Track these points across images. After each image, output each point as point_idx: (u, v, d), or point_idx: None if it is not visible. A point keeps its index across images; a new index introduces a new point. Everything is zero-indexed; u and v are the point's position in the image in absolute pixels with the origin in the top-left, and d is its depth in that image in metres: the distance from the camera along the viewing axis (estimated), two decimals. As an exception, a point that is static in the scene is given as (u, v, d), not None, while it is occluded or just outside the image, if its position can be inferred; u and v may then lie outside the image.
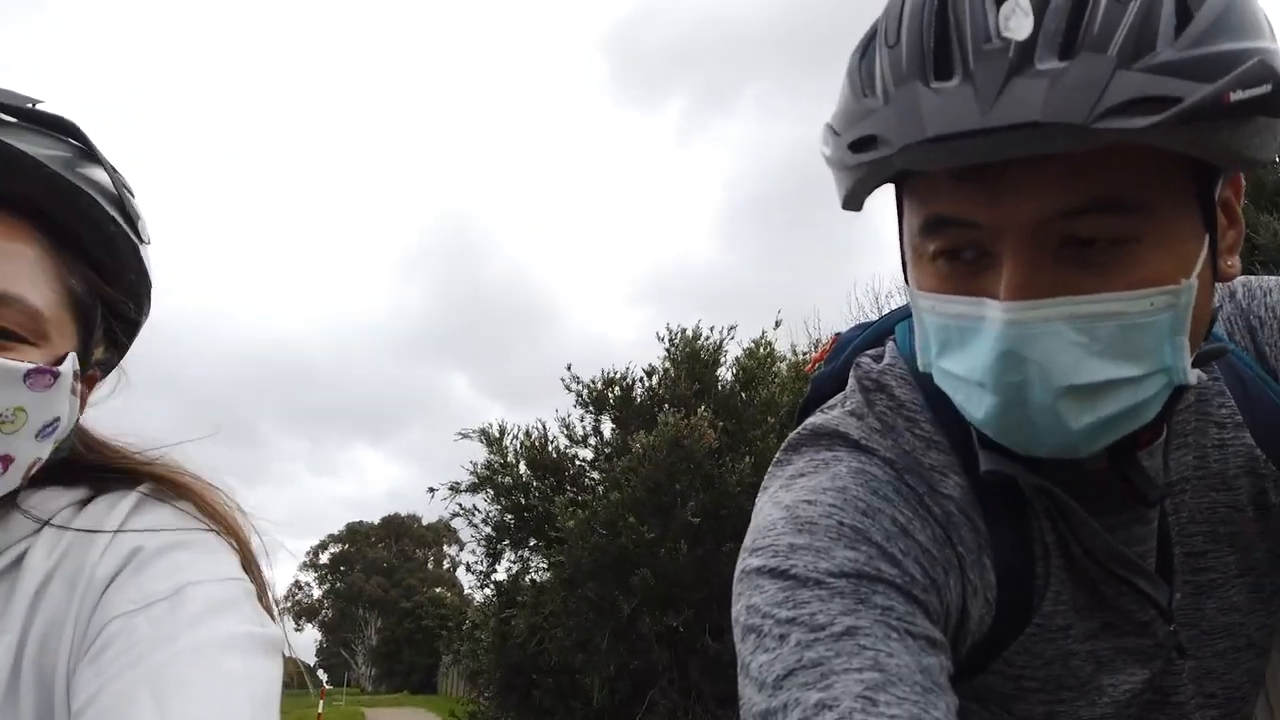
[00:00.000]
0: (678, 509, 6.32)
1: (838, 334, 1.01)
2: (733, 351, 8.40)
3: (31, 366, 0.70)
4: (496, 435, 8.38)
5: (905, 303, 0.88)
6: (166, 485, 0.80)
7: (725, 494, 6.62)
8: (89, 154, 0.77)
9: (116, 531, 0.73)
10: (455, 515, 8.29)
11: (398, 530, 52.87)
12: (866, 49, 0.69)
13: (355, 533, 54.54)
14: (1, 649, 0.67)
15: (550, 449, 8.32)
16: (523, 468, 8.30)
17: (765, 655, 0.65)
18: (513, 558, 8.32)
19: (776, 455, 0.82)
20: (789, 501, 0.73)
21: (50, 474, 0.76)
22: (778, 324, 9.22)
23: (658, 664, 6.46)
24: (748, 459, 6.63)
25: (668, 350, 8.23)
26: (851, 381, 0.84)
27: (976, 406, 0.67)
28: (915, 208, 0.69)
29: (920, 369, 0.74)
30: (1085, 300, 0.62)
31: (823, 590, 0.66)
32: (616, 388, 8.24)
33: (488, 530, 8.27)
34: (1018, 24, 0.58)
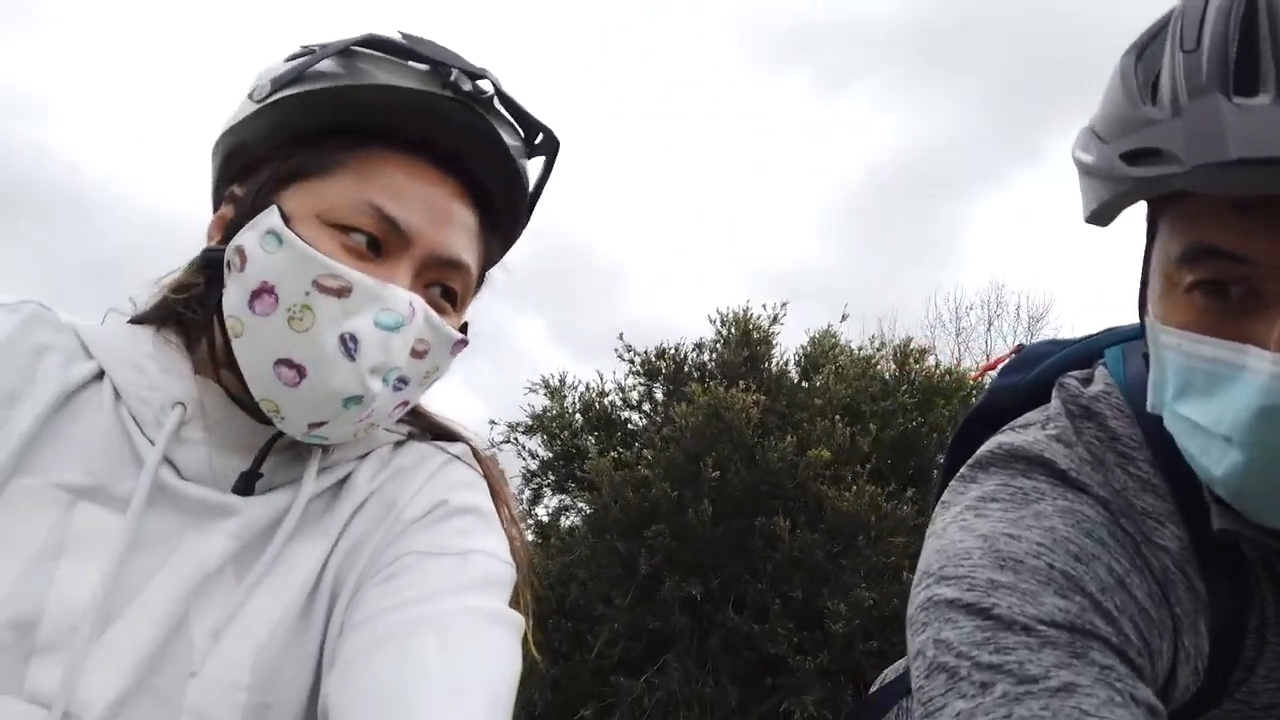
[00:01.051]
0: (706, 473, 6.30)
1: (1021, 345, 0.93)
2: (794, 339, 8.39)
3: (460, 337, 0.79)
4: (557, 385, 8.59)
5: (1113, 326, 0.83)
6: (472, 455, 0.88)
7: (767, 470, 6.63)
8: (530, 147, 0.83)
9: (429, 479, 0.80)
10: (505, 441, 8.53)
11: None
12: (1146, 50, 0.63)
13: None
14: (317, 551, 0.73)
15: (600, 406, 8.47)
16: (578, 419, 8.49)
17: (963, 703, 0.58)
18: (552, 501, 8.53)
19: (961, 470, 0.76)
20: (986, 531, 0.67)
21: None
22: (844, 317, 9.19)
23: (676, 627, 6.59)
24: (790, 438, 6.59)
25: (718, 331, 8.29)
26: (1055, 403, 0.77)
27: (1216, 462, 0.60)
28: (1177, 233, 0.63)
29: (1150, 408, 0.67)
30: None
31: (1032, 638, 0.59)
32: (669, 360, 8.32)
33: (534, 465, 8.48)
34: None
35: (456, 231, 0.77)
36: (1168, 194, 0.60)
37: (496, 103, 0.78)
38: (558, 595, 7.09)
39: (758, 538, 6.50)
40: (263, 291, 0.70)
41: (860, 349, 8.45)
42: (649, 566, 6.48)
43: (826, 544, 6.43)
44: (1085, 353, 0.83)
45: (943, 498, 0.75)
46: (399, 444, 0.85)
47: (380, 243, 0.73)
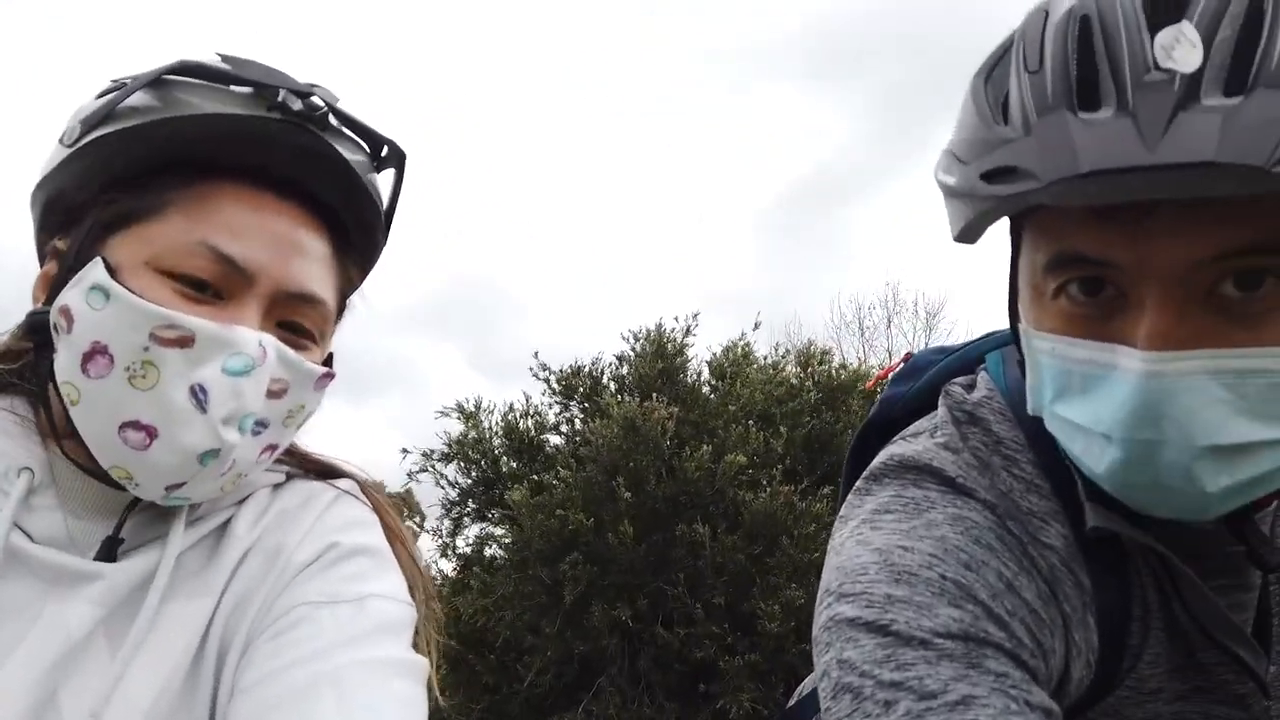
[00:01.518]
0: (620, 493, 6.29)
1: (909, 353, 0.94)
2: (704, 349, 8.51)
3: (323, 371, 0.74)
4: (473, 409, 8.46)
5: (992, 330, 0.84)
6: (360, 490, 0.83)
7: (685, 480, 6.64)
8: (375, 161, 0.79)
9: (318, 519, 0.76)
10: (422, 470, 8.37)
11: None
12: (993, 72, 0.64)
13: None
14: (200, 610, 0.69)
15: (523, 428, 8.38)
16: (496, 442, 8.38)
17: None
18: (474, 531, 8.40)
19: (856, 484, 0.77)
20: (881, 544, 0.68)
21: None
22: (757, 325, 9.38)
23: (607, 650, 6.54)
24: (706, 447, 6.62)
25: (632, 347, 8.33)
26: (941, 410, 0.78)
27: (1097, 460, 0.62)
28: (1040, 243, 0.64)
29: (1030, 411, 0.68)
30: (1236, 354, 0.56)
31: (929, 651, 0.60)
32: (585, 378, 8.30)
33: (452, 495, 8.34)
34: (1184, 56, 0.53)
35: (305, 262, 0.73)
36: (1031, 207, 0.61)
37: (332, 119, 0.74)
38: (482, 630, 6.97)
39: (679, 547, 6.51)
40: (95, 353, 0.65)
41: (767, 356, 8.61)
42: (573, 594, 6.41)
43: (747, 546, 6.49)
44: (968, 359, 0.85)
45: (840, 512, 0.76)
46: (279, 485, 0.80)
47: (221, 285, 0.68)
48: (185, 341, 0.64)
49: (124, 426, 0.64)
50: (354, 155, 0.75)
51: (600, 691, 6.52)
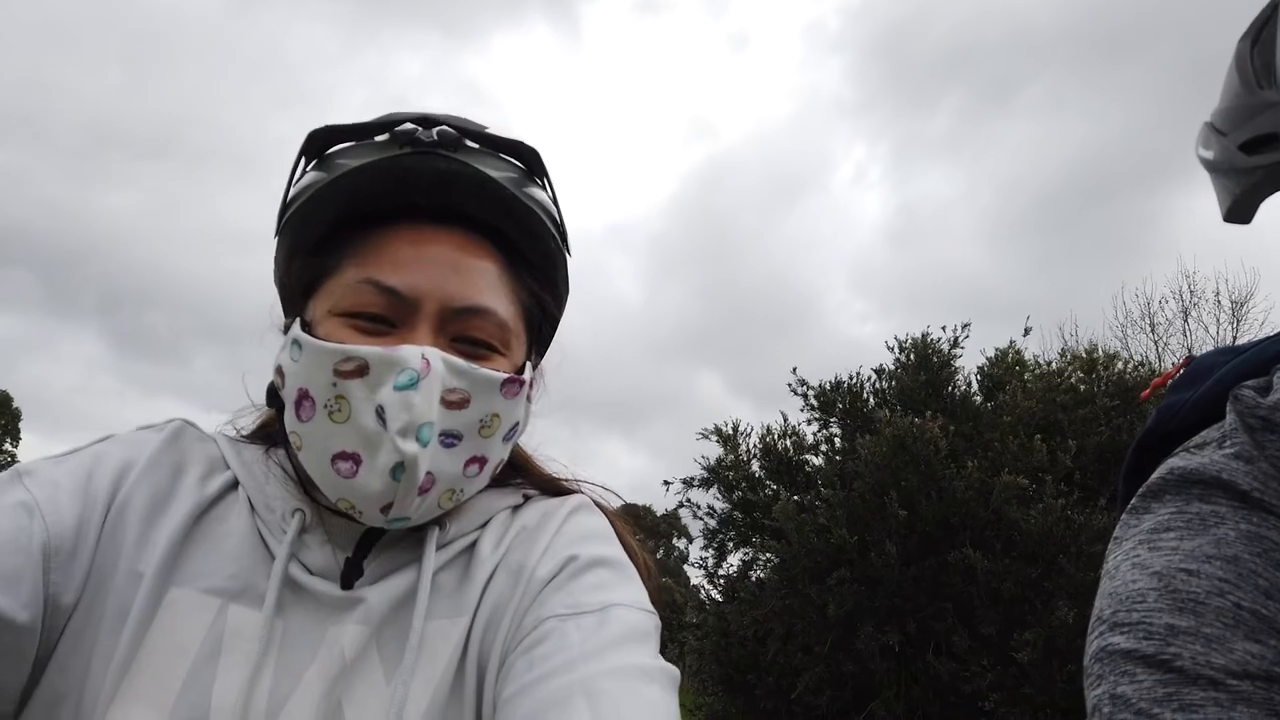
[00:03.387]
0: (892, 509, 6.04)
1: (1190, 357, 0.86)
2: (970, 359, 7.99)
3: (506, 376, 0.76)
4: (730, 433, 8.56)
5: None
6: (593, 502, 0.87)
7: (955, 500, 6.28)
8: (531, 174, 0.82)
9: (555, 534, 0.79)
10: (681, 505, 8.54)
11: (635, 518, 54.90)
12: (1260, 34, 0.60)
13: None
14: (457, 629, 0.73)
15: (780, 448, 8.30)
16: (755, 466, 8.39)
17: None
18: (738, 555, 8.41)
19: (1132, 502, 0.71)
20: (1160, 567, 0.61)
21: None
22: (1027, 331, 8.75)
23: (876, 675, 6.26)
24: (972, 462, 6.23)
25: (896, 359, 7.98)
26: (1231, 417, 0.70)
27: None
28: None
29: None
30: None
31: (1221, 693, 0.54)
32: (845, 393, 8.08)
33: (712, 523, 8.40)
34: None
35: (467, 278, 0.76)
36: None
37: (467, 141, 0.77)
38: (753, 651, 6.94)
39: (951, 573, 6.12)
40: (302, 399, 0.72)
41: (1049, 361, 7.91)
42: (839, 612, 6.21)
43: (1021, 570, 6.00)
44: (1263, 358, 0.74)
45: (1115, 533, 0.70)
46: (517, 507, 0.84)
47: (390, 315, 0.73)
48: (361, 370, 0.70)
49: (335, 459, 0.70)
50: (500, 171, 0.78)
51: (872, 715, 6.24)
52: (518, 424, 0.80)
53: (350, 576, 0.74)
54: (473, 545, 0.79)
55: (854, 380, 8.15)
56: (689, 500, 8.45)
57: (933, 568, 6.26)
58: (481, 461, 0.76)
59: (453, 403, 0.72)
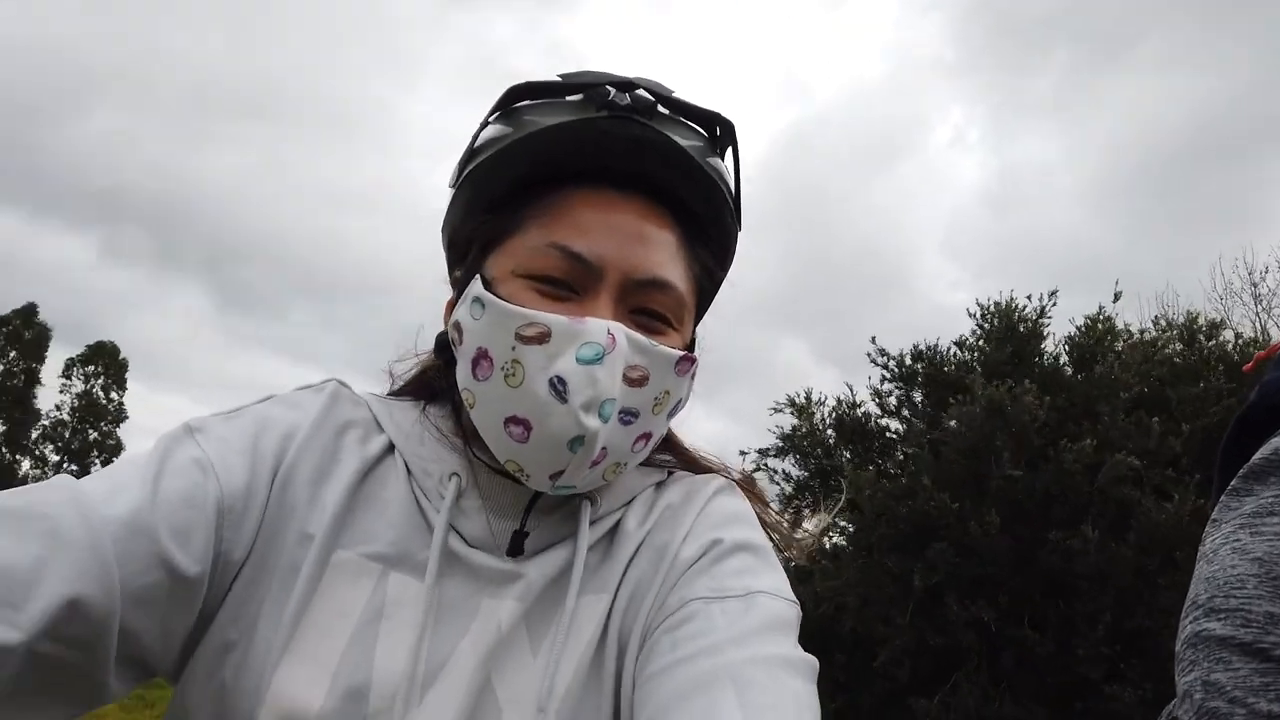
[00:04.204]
0: (993, 477, 5.91)
1: None
2: (1062, 325, 7.77)
3: (681, 354, 0.75)
4: (804, 403, 8.53)
5: None
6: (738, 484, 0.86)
7: (1060, 473, 6.08)
8: (715, 144, 0.80)
9: (699, 516, 0.78)
10: (757, 469, 8.52)
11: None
12: None
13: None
14: (600, 605, 0.73)
15: (858, 414, 8.24)
16: (831, 434, 8.34)
17: None
18: (815, 521, 8.39)
19: (1232, 483, 0.69)
20: (1261, 552, 0.61)
21: None
22: (1117, 296, 8.22)
23: (962, 644, 6.20)
24: (1089, 440, 5.99)
25: (978, 325, 7.80)
26: None
27: None
28: None
29: None
30: None
31: None
32: (926, 361, 7.96)
33: (788, 489, 8.40)
34: None
35: (650, 249, 0.75)
36: None
37: (661, 108, 0.76)
38: (830, 622, 6.92)
39: (1050, 551, 5.99)
40: (480, 358, 0.72)
41: (1143, 331, 7.66)
42: (926, 584, 6.14)
43: (1137, 559, 5.79)
44: None
45: (1213, 515, 0.68)
46: (661, 484, 0.84)
47: (573, 280, 0.73)
48: (543, 337, 0.69)
49: (508, 422, 0.70)
50: (689, 140, 0.76)
51: (957, 686, 6.19)
52: (681, 400, 0.79)
53: (519, 544, 0.75)
54: (618, 522, 0.79)
55: (933, 350, 8.02)
56: (766, 465, 8.46)
57: (1028, 540, 6.13)
58: (648, 437, 0.77)
59: (634, 380, 0.72)
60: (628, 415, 0.73)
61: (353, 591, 0.70)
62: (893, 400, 8.26)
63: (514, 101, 0.77)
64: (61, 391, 35.04)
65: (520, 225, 0.75)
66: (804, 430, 8.43)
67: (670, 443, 0.88)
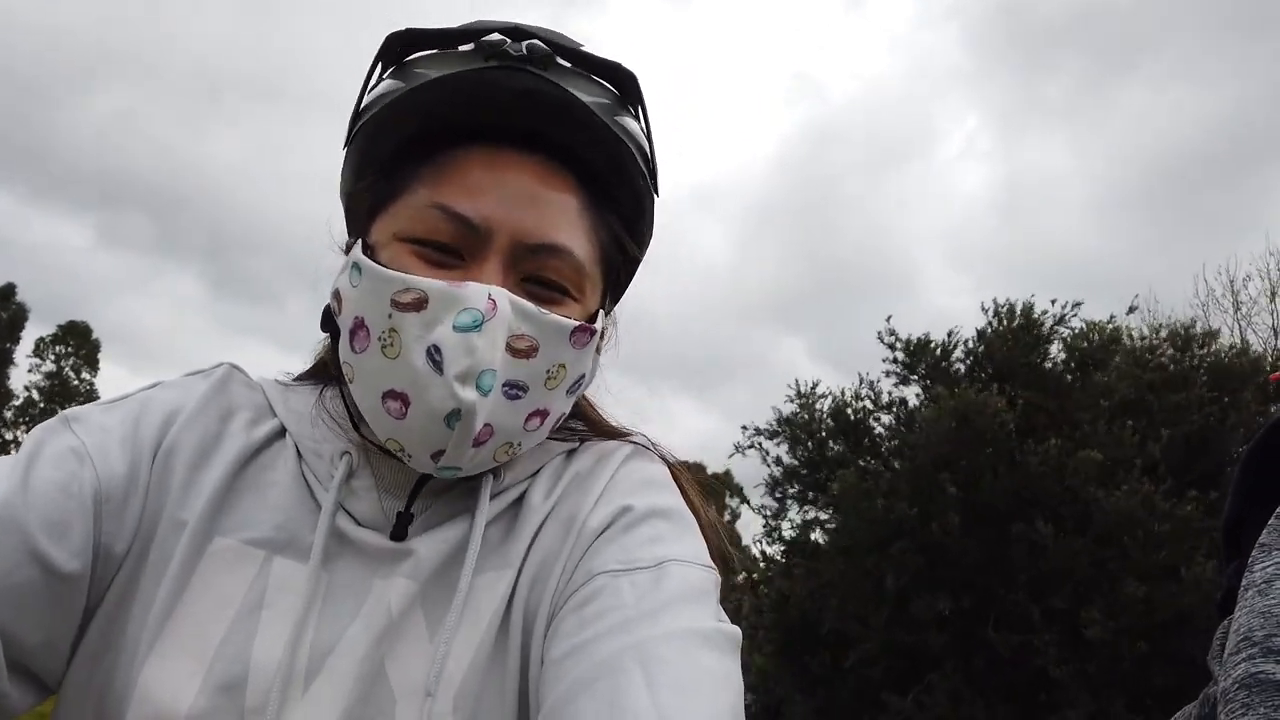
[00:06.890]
0: (944, 485, 6.09)
1: None
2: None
3: (577, 324, 0.70)
4: (809, 391, 8.72)
5: None
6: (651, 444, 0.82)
7: (1028, 475, 6.26)
8: (624, 102, 0.75)
9: (609, 482, 0.75)
10: (749, 446, 8.74)
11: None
12: None
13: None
14: (503, 583, 0.69)
15: (850, 411, 8.37)
16: (829, 422, 8.52)
17: None
18: (798, 513, 8.53)
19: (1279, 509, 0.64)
20: None
21: None
22: (1132, 308, 8.28)
23: (934, 646, 6.34)
24: (1053, 440, 6.21)
25: (990, 322, 7.97)
26: None
27: None
28: None
29: None
30: None
31: None
32: (932, 351, 8.12)
33: (776, 473, 8.55)
34: None
35: (545, 213, 0.70)
36: None
37: (560, 60, 0.70)
38: (811, 620, 7.05)
39: (1017, 546, 6.19)
40: (357, 328, 0.68)
41: (1142, 338, 7.74)
42: (897, 584, 6.28)
43: (1094, 550, 6.00)
44: None
45: (1261, 539, 0.62)
46: (572, 451, 0.79)
47: (460, 245, 0.68)
48: (420, 304, 0.65)
49: (385, 397, 0.66)
50: (591, 96, 0.71)
51: (931, 686, 6.34)
52: (584, 376, 0.75)
53: (402, 528, 0.71)
54: (523, 494, 0.75)
55: (947, 340, 8.12)
56: (759, 445, 8.66)
57: (994, 540, 6.31)
58: (543, 415, 0.72)
59: (519, 350, 0.67)
60: (514, 389, 0.68)
61: (232, 580, 0.66)
62: (885, 393, 8.40)
63: (399, 51, 0.72)
64: (30, 371, 34.72)
65: (407, 187, 0.70)
66: (803, 419, 8.58)
67: (584, 414, 0.83)
